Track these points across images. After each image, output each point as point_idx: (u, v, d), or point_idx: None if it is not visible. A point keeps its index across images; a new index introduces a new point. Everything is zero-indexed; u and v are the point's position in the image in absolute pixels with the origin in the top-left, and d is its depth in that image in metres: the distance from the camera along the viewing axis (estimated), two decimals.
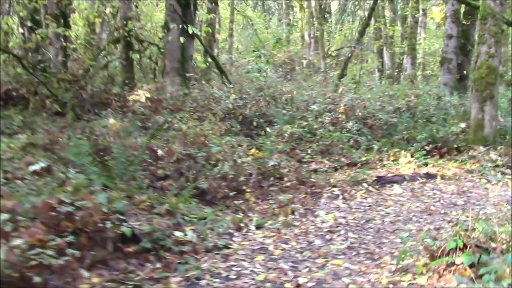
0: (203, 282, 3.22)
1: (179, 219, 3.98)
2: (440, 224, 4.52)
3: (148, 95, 8.95)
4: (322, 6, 25.06)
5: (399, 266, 3.37)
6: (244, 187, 5.50)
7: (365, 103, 9.75)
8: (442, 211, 5.02)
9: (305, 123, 8.26)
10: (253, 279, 3.32)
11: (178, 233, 3.71)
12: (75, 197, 3.16)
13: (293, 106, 9.54)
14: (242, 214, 4.81)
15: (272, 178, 5.91)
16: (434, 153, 7.56)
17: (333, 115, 8.70)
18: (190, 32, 10.16)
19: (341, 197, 5.45)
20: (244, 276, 3.36)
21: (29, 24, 11.97)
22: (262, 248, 3.92)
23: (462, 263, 3.04)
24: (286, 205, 4.99)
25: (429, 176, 6.41)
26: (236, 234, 4.21)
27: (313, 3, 23.34)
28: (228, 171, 5.53)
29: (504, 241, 3.31)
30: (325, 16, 26.40)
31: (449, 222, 4.58)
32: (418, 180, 6.25)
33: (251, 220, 4.60)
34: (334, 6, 30.36)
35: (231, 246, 3.89)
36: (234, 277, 3.34)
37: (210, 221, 4.21)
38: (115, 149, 4.84)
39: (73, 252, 2.78)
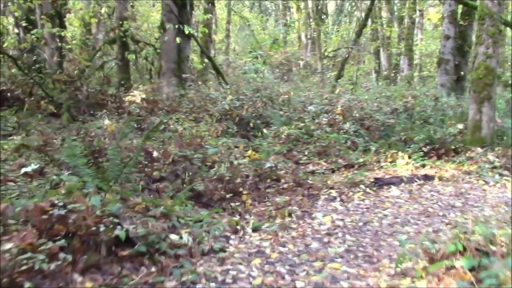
0: (198, 287, 3.16)
1: (175, 222, 3.92)
2: (439, 227, 4.47)
3: (144, 96, 8.87)
4: (319, 7, 25.04)
5: (398, 269, 3.32)
6: (241, 189, 5.45)
7: (362, 104, 9.72)
8: (441, 213, 4.97)
9: (302, 124, 8.22)
10: (250, 283, 3.26)
11: (173, 236, 3.65)
12: (68, 200, 3.09)
13: (290, 107, 9.51)
14: (238, 217, 4.75)
15: (269, 180, 5.86)
16: (432, 155, 7.53)
17: (330, 116, 8.67)
18: (187, 32, 10.12)
19: (338, 199, 5.40)
20: (240, 280, 3.30)
21: (24, 24, 11.89)
22: (259, 251, 3.86)
23: (462, 266, 3.00)
24: (283, 207, 4.92)
25: (427, 178, 6.38)
26: (232, 237, 4.15)
27: (310, 4, 23.33)
28: (224, 173, 5.47)
29: (504, 244, 3.27)
30: (322, 17, 26.39)
31: (447, 224, 4.54)
32: (416, 181, 6.21)
33: (247, 222, 4.54)
34: (331, 7, 30.39)
35: (227, 249, 3.82)
36: (231, 281, 3.28)
37: (206, 223, 4.15)
38: (110, 150, 4.77)
39: (65, 256, 2.71)
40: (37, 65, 10.97)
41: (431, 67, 21.83)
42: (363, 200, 5.43)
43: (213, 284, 3.20)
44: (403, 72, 18.71)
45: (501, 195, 5.72)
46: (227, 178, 5.44)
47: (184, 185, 5.22)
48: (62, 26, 11.77)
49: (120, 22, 11.10)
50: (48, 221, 2.88)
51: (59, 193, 3.32)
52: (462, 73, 12.26)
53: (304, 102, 10.19)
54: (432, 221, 4.71)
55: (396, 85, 16.82)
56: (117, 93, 10.16)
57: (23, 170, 3.54)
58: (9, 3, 11.63)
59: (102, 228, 3.03)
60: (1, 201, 2.91)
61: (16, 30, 12.42)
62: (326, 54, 24.62)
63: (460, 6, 12.20)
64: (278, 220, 4.62)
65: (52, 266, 2.60)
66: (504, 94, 11.37)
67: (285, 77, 17.88)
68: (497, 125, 8.17)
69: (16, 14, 11.87)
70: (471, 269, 2.97)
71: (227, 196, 5.22)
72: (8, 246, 2.59)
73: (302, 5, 24.11)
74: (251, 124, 8.57)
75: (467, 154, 7.39)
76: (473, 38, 12.16)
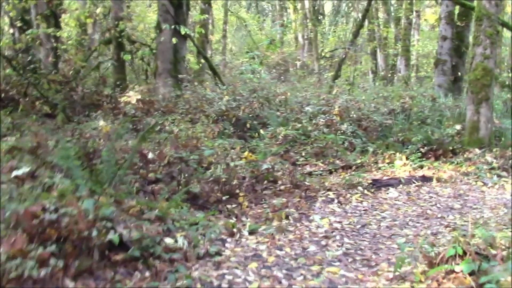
0: None
1: (170, 225, 3.85)
2: (438, 229, 4.43)
3: (139, 96, 8.80)
4: (316, 8, 25.02)
5: (397, 273, 3.27)
6: (237, 191, 5.39)
7: (359, 105, 9.68)
8: (439, 215, 4.93)
9: (299, 125, 8.17)
10: None
11: (168, 240, 3.58)
12: (60, 204, 3.02)
13: (287, 108, 9.45)
14: (235, 219, 4.69)
15: (265, 182, 5.81)
16: (430, 155, 7.49)
17: (328, 117, 8.61)
18: (183, 33, 10.04)
19: (336, 201, 5.34)
20: (236, 285, 3.23)
21: (19, 24, 11.80)
22: (255, 254, 3.79)
23: (461, 271, 2.95)
24: (280, 210, 4.87)
25: (425, 179, 6.33)
26: (228, 240, 4.08)
27: (306, 4, 23.29)
28: (220, 175, 5.41)
29: (504, 247, 3.22)
30: (319, 17, 26.36)
31: (446, 226, 4.49)
32: (414, 183, 6.17)
33: (244, 225, 4.47)
34: (328, 8, 30.36)
35: (223, 253, 3.75)
36: (226, 286, 3.22)
37: (202, 226, 4.09)
38: (104, 152, 4.70)
39: (56, 262, 2.64)
40: (32, 66, 10.88)
41: (428, 67, 21.83)
42: (361, 202, 5.38)
43: None
44: (400, 72, 18.70)
45: (500, 196, 5.69)
46: (224, 179, 5.37)
47: (180, 187, 5.15)
48: (58, 26, 11.69)
49: (116, 23, 11.02)
50: (39, 226, 2.81)
51: (51, 196, 3.25)
52: (459, 73, 12.24)
53: (301, 102, 10.13)
54: (431, 223, 4.66)
55: (393, 85, 16.79)
56: (112, 94, 10.08)
57: (14, 173, 3.47)
58: (4, 3, 11.54)
59: (95, 233, 2.96)
60: None
61: (11, 30, 12.32)
62: (323, 54, 24.58)
63: (457, 7, 12.18)
64: (275, 223, 4.55)
65: (43, 272, 2.53)
66: (501, 95, 11.34)
67: (282, 77, 17.84)
68: (495, 126, 8.14)
69: (11, 14, 11.78)
70: (471, 274, 2.92)
71: (224, 198, 5.15)
72: None
73: (299, 5, 24.08)
74: (248, 125, 8.51)
75: (465, 155, 7.35)
76: (470, 39, 12.16)
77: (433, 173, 6.61)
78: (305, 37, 23.70)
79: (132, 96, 8.68)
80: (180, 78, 10.45)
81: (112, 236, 3.12)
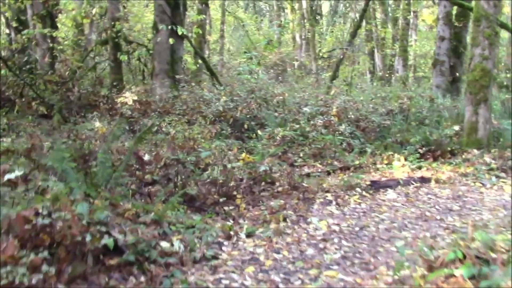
0: None
1: (166, 229, 3.80)
2: (437, 231, 4.38)
3: (136, 97, 8.74)
4: (313, 8, 24.98)
5: (396, 277, 3.22)
6: (235, 193, 5.34)
7: (357, 106, 9.63)
8: (438, 217, 4.88)
9: (297, 126, 8.12)
10: None
11: (164, 244, 3.53)
12: (54, 208, 2.96)
13: (285, 109, 9.40)
14: (232, 221, 4.64)
15: (263, 183, 5.75)
16: (428, 156, 7.45)
17: (326, 118, 8.56)
18: (180, 33, 10.00)
19: (334, 202, 5.29)
20: None
21: (14, 24, 11.74)
22: (252, 258, 3.75)
23: (461, 275, 2.90)
24: (277, 212, 4.82)
25: (424, 180, 6.29)
26: (225, 243, 4.03)
27: (304, 4, 23.25)
28: (218, 176, 5.36)
29: (504, 251, 3.18)
30: (316, 17, 26.31)
31: (445, 229, 4.45)
32: (413, 184, 6.12)
33: (241, 227, 4.42)
34: (325, 8, 30.33)
35: (220, 257, 3.71)
36: None
37: (199, 229, 4.03)
38: (100, 154, 4.64)
39: (48, 269, 2.58)
40: (28, 66, 10.83)
41: (426, 67, 21.82)
42: (359, 203, 5.33)
43: None
44: (397, 72, 18.69)
45: (498, 198, 5.64)
46: (221, 181, 5.33)
47: (177, 189, 5.10)
48: (54, 26, 11.63)
49: (112, 23, 10.96)
50: (32, 231, 2.75)
51: (45, 199, 3.19)
52: (457, 74, 12.22)
53: (299, 103, 10.09)
54: (430, 225, 4.62)
55: (390, 85, 16.76)
56: (109, 95, 10.03)
57: (7, 176, 3.40)
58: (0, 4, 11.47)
59: (89, 237, 2.91)
60: None
61: (6, 31, 12.26)
62: (320, 54, 24.55)
63: (455, 8, 12.15)
64: (272, 225, 4.51)
65: (34, 279, 2.47)
66: (499, 95, 11.31)
67: (279, 78, 17.79)
68: (493, 127, 8.10)
69: (6, 14, 11.72)
70: (471, 278, 2.87)
71: (221, 200, 5.10)
72: None
73: (296, 5, 24.02)
74: (246, 126, 8.46)
75: (463, 156, 7.31)
76: (468, 40, 12.13)
77: (432, 174, 6.57)
78: (303, 37, 23.65)
79: (129, 97, 8.62)
80: (177, 78, 10.41)
81: (106, 240, 3.06)
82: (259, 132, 8.06)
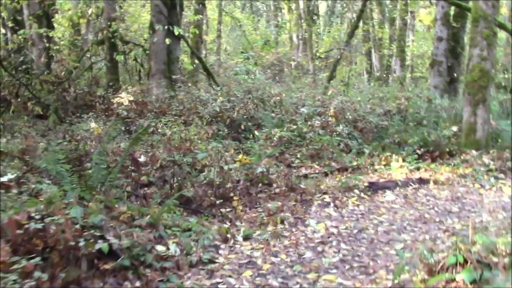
0: None
1: (162, 232, 3.74)
2: (436, 234, 4.34)
3: (132, 98, 8.67)
4: (311, 8, 24.91)
5: (396, 282, 3.17)
6: (231, 195, 5.29)
7: (355, 106, 9.58)
8: (437, 219, 4.84)
9: (294, 127, 8.07)
10: None
11: (160, 248, 3.47)
12: (47, 212, 2.90)
13: (282, 109, 9.35)
14: (229, 224, 4.58)
15: (260, 185, 5.70)
16: (426, 157, 7.41)
17: (323, 118, 8.50)
18: (176, 33, 9.92)
19: (332, 204, 5.24)
20: None
21: (10, 24, 11.64)
22: (250, 262, 3.69)
23: (463, 280, 2.85)
24: (275, 214, 4.76)
25: (422, 181, 6.25)
26: (222, 246, 3.97)
27: (301, 4, 23.19)
28: (214, 178, 5.30)
29: (505, 254, 3.13)
30: (314, 17, 26.26)
31: (445, 231, 4.40)
32: (411, 185, 6.08)
33: (238, 230, 4.37)
34: (323, 8, 30.30)
35: (217, 260, 3.65)
36: None
37: (195, 232, 3.98)
38: (95, 155, 4.57)
39: (40, 275, 2.51)
40: (24, 66, 10.74)
41: (423, 68, 21.80)
42: (357, 205, 5.28)
43: None
44: (395, 73, 18.65)
45: (498, 199, 5.61)
46: (217, 183, 5.27)
47: (173, 191, 5.03)
48: (50, 26, 11.54)
49: (109, 23, 10.88)
50: (24, 235, 2.68)
51: (39, 202, 3.13)
52: (455, 74, 12.19)
53: (296, 103, 10.03)
54: (429, 227, 4.57)
55: (388, 86, 16.72)
56: (105, 95, 9.95)
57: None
58: None
59: (82, 242, 2.84)
60: None
61: (2, 31, 12.15)
62: (318, 55, 24.49)
63: (453, 8, 12.12)
64: (270, 228, 4.45)
65: (26, 286, 2.40)
66: (498, 96, 11.28)
67: (276, 78, 17.72)
68: (491, 128, 8.07)
69: (2, 14, 11.61)
70: (472, 283, 2.82)
71: (217, 202, 5.05)
72: None
73: (293, 6, 23.97)
74: (242, 126, 8.40)
75: (462, 157, 7.28)
76: (466, 40, 12.11)
77: (430, 175, 6.53)
78: (300, 37, 23.59)
79: (125, 97, 8.54)
80: (174, 79, 10.34)
81: (101, 244, 3.00)
82: (256, 132, 8.00)
